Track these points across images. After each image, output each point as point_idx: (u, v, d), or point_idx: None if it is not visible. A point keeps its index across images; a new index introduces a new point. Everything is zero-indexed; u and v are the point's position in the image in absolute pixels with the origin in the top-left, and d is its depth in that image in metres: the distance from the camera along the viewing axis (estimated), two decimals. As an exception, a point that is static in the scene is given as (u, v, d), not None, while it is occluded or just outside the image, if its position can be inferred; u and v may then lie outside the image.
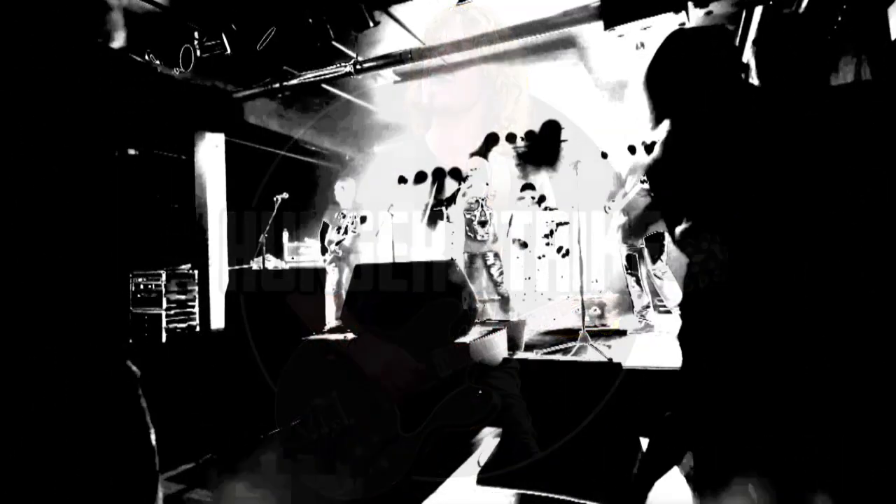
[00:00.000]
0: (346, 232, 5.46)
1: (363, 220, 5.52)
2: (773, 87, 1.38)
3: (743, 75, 1.41)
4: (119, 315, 1.23)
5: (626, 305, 5.30)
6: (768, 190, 1.26)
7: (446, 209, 5.54)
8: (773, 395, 1.27)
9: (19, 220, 1.09)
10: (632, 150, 5.28)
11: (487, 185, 5.31)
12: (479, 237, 5.19)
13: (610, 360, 2.94)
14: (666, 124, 1.44)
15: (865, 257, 1.23)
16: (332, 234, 5.54)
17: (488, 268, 5.20)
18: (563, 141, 7.73)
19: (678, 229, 1.43)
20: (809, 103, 1.32)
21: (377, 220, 5.63)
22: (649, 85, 1.47)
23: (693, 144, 1.36)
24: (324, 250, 5.62)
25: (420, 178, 7.29)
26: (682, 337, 1.45)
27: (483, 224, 5.19)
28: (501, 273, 5.20)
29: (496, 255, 5.22)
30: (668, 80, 1.43)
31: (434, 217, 6.54)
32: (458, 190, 5.35)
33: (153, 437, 1.28)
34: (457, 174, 6.66)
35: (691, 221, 1.39)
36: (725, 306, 1.32)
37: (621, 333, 4.38)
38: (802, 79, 1.37)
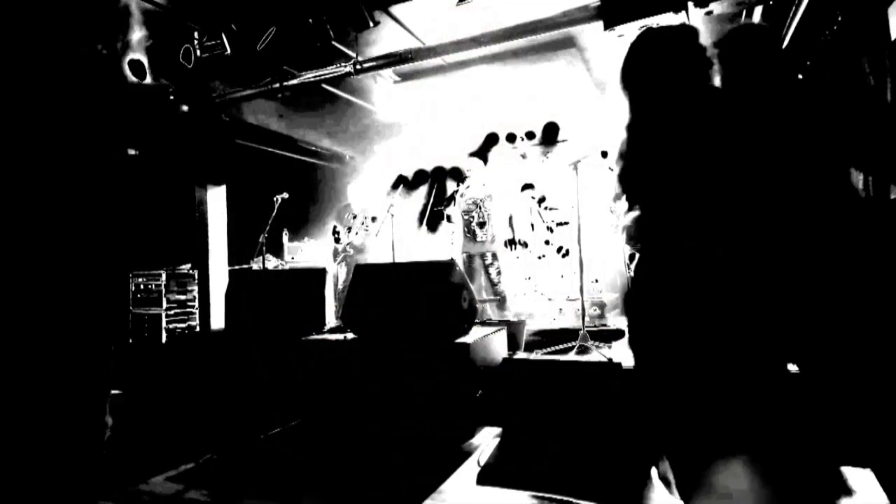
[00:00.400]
0: (356, 233, 5.50)
1: (373, 220, 5.56)
2: (732, 88, 1.45)
3: (710, 71, 1.45)
4: (110, 305, 1.23)
5: (626, 305, 5.28)
6: (718, 183, 1.29)
7: (445, 209, 5.53)
8: (734, 385, 1.29)
9: (19, 218, 1.09)
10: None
11: (484, 185, 5.32)
12: (478, 238, 5.18)
13: (610, 360, 2.94)
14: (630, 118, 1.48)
15: (807, 251, 1.27)
16: (342, 234, 5.57)
17: (487, 268, 5.20)
18: (563, 141, 7.71)
19: (628, 216, 1.46)
20: (766, 103, 1.38)
21: (378, 220, 5.65)
22: (622, 84, 1.50)
23: (648, 136, 1.40)
24: (335, 250, 5.66)
25: (419, 178, 7.30)
26: (639, 334, 1.46)
27: (482, 225, 5.18)
28: (500, 273, 5.19)
29: (494, 256, 5.22)
30: (635, 78, 1.47)
31: (433, 221, 6.55)
32: (457, 191, 5.36)
33: (109, 419, 1.28)
34: (457, 174, 6.66)
35: (640, 209, 1.42)
36: (679, 298, 1.33)
37: (621, 333, 4.38)
38: (760, 84, 1.43)
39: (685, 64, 1.40)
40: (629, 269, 4.55)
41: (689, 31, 1.44)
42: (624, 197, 1.49)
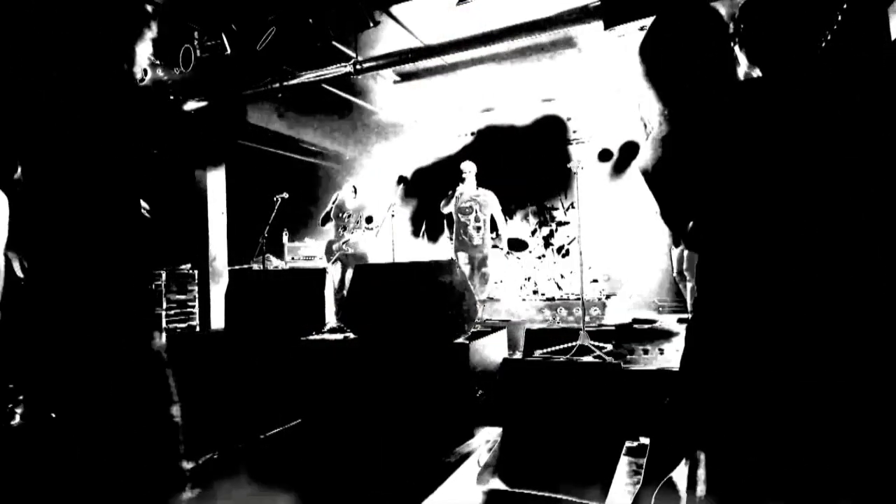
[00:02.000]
0: (351, 232, 5.45)
1: (369, 220, 5.51)
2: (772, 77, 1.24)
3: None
4: (143, 302, 1.28)
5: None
6: (772, 188, 1.14)
7: (443, 207, 5.52)
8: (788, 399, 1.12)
9: (66, 224, 1.13)
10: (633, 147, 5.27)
11: (480, 187, 5.31)
12: (474, 241, 5.18)
13: (609, 360, 2.94)
14: (661, 121, 1.31)
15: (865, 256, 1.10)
16: (337, 234, 5.53)
17: (485, 268, 5.20)
18: (571, 143, 7.70)
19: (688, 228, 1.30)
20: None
21: (377, 220, 5.62)
22: (647, 79, 1.35)
23: (700, 141, 1.23)
24: (328, 250, 5.60)
25: (418, 178, 7.29)
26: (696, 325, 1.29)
27: (478, 229, 5.18)
28: (499, 273, 5.20)
29: (491, 256, 5.22)
30: (661, 72, 1.32)
31: (433, 232, 6.56)
32: (454, 191, 5.34)
33: (177, 410, 1.32)
34: (454, 174, 6.66)
35: (695, 220, 1.27)
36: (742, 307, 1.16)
37: (622, 333, 4.37)
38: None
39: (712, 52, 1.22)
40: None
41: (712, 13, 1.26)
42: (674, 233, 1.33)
